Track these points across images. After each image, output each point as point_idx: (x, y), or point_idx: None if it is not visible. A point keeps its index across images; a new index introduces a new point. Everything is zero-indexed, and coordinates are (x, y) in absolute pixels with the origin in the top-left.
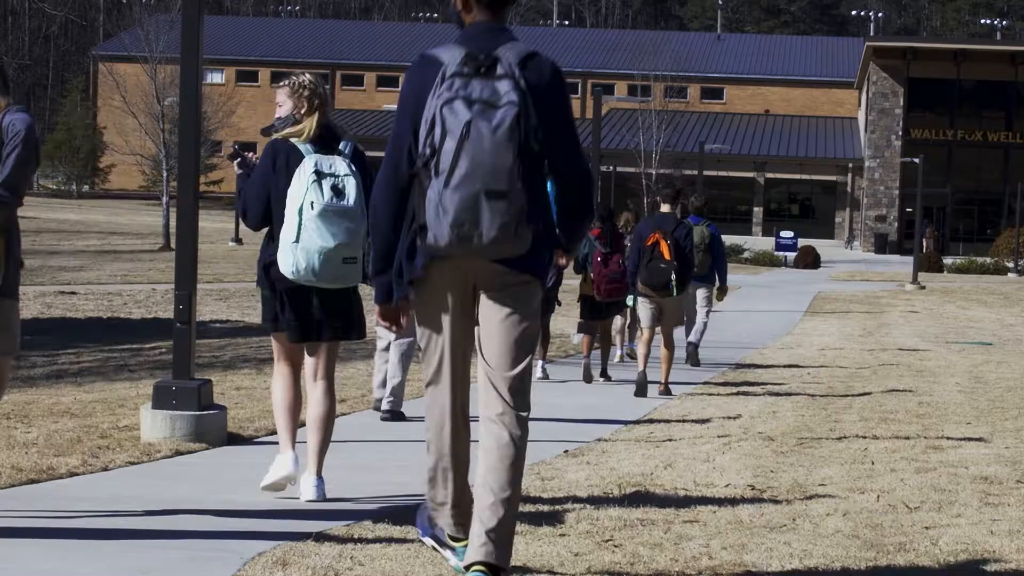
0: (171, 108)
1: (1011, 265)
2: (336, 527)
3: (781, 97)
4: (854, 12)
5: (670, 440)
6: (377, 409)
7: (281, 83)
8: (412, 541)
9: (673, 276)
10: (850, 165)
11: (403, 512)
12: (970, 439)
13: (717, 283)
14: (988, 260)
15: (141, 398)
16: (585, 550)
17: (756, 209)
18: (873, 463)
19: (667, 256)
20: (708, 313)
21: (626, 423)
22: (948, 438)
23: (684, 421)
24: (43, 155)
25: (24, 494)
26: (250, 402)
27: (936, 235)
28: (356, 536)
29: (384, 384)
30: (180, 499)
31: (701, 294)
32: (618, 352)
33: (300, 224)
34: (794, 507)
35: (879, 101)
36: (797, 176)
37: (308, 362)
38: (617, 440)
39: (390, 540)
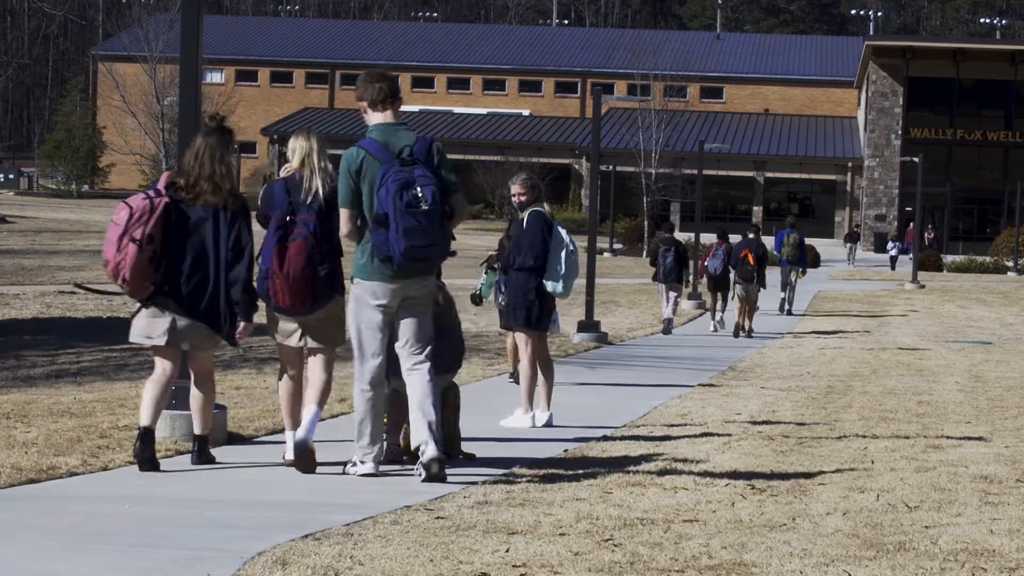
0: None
1: (1011, 264)
2: (336, 527)
3: (780, 96)
4: (853, 11)
5: (670, 439)
6: None
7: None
8: (412, 541)
9: (755, 273)
10: (849, 164)
11: (403, 512)
12: (970, 438)
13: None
14: (988, 259)
15: (141, 398)
16: (585, 549)
17: (756, 208)
18: (873, 462)
19: (751, 262)
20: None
21: (626, 423)
22: (948, 437)
23: (684, 421)
24: (43, 154)
25: (24, 494)
26: (250, 402)
27: (930, 236)
28: (356, 535)
29: None
30: (180, 499)
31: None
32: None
33: None
34: (794, 506)
35: (878, 100)
36: (797, 175)
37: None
38: (616, 439)
39: (390, 539)
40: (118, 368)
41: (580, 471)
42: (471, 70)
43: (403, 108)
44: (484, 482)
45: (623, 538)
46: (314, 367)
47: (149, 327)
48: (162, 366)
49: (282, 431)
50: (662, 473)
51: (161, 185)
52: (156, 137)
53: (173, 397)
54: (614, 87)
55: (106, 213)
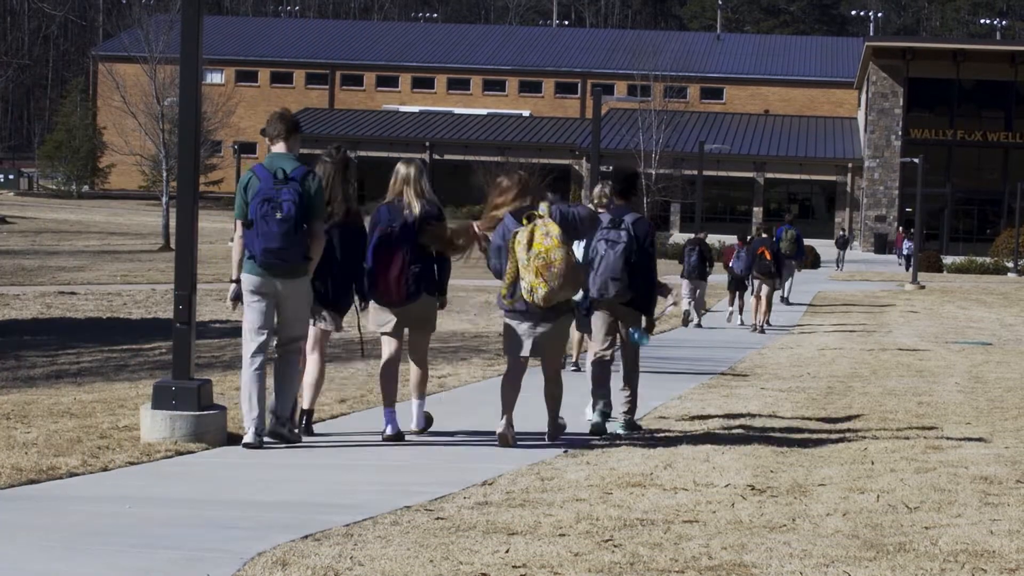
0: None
1: (1010, 265)
2: (336, 527)
3: (781, 97)
4: (853, 12)
5: (669, 440)
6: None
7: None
8: (412, 541)
9: (773, 268)
10: (850, 165)
11: (403, 512)
12: (970, 439)
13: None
14: (988, 260)
15: (141, 398)
16: (585, 550)
17: (756, 209)
18: (873, 463)
19: (768, 258)
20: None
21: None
22: (948, 438)
23: (684, 421)
24: (43, 155)
25: (24, 494)
26: None
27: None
28: (356, 536)
29: None
30: (180, 499)
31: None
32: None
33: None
34: (794, 507)
35: (879, 101)
36: (797, 176)
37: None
38: (617, 440)
39: (390, 540)
40: (118, 369)
41: (580, 471)
42: (471, 71)
43: (404, 108)
44: (485, 482)
45: (623, 539)
46: (413, 358)
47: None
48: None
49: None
50: (662, 473)
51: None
52: (156, 138)
53: (174, 398)
54: (614, 88)
55: (106, 214)
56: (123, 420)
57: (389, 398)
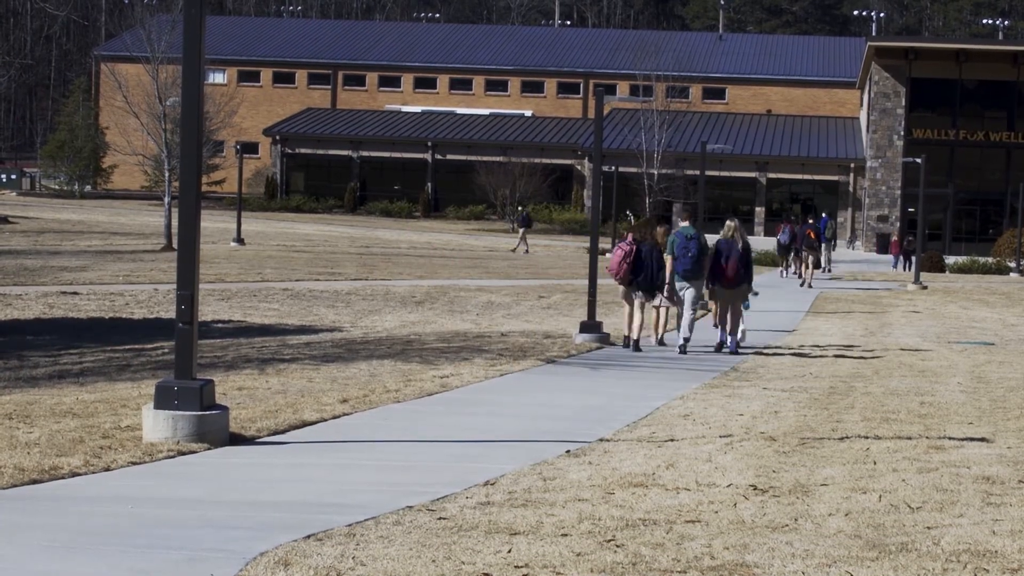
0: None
1: (1013, 265)
2: (338, 527)
3: (783, 97)
4: (856, 12)
5: (672, 440)
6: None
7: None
8: (414, 541)
9: (816, 244)
10: (852, 165)
11: (405, 512)
12: (972, 439)
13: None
14: (990, 260)
15: (143, 398)
16: (587, 550)
17: (758, 209)
18: (875, 463)
19: (813, 237)
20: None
21: (628, 424)
22: (950, 438)
23: (686, 421)
24: (45, 155)
25: (27, 494)
26: (252, 402)
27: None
28: (358, 536)
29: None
30: (182, 499)
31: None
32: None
33: None
34: (796, 507)
35: (881, 101)
36: (799, 176)
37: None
38: (619, 440)
39: (392, 540)
40: (120, 369)
41: (582, 471)
42: (473, 71)
43: (407, 108)
44: (487, 482)
45: (625, 539)
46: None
47: (626, 294)
48: (629, 308)
49: (285, 431)
50: (664, 473)
51: (630, 238)
52: (159, 138)
53: (176, 398)
54: (616, 88)
55: (108, 214)
56: (125, 420)
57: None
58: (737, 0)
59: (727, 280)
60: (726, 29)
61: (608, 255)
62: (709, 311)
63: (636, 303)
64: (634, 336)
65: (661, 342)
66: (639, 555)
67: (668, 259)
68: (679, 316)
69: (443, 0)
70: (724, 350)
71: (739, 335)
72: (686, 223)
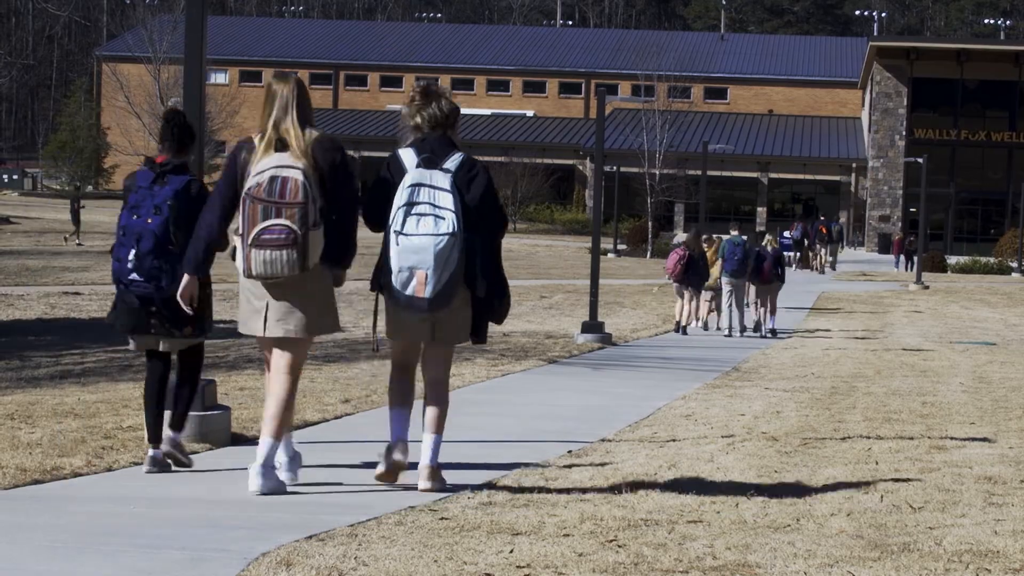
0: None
1: (1015, 265)
2: (340, 527)
3: (784, 97)
4: (857, 12)
5: (674, 440)
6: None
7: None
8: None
9: (827, 238)
10: (854, 165)
11: (408, 512)
12: (974, 439)
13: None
14: (992, 260)
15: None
16: (589, 550)
17: (760, 209)
18: (877, 463)
19: (824, 232)
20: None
21: (630, 424)
22: (952, 438)
23: (688, 421)
24: (47, 155)
25: (28, 494)
26: (254, 402)
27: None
28: (360, 536)
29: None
30: (183, 499)
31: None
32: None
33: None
34: (798, 507)
35: (883, 101)
36: (801, 176)
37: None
38: (621, 440)
39: (394, 540)
40: (122, 369)
41: (584, 472)
42: (475, 71)
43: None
44: (489, 482)
45: (627, 539)
46: None
47: (679, 290)
48: (680, 301)
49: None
50: (666, 474)
51: (682, 250)
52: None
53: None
54: (618, 88)
55: (110, 214)
56: (127, 420)
57: None
58: (739, 0)
59: (763, 278)
60: (727, 29)
61: (610, 255)
62: (714, 311)
63: (686, 297)
64: (683, 323)
65: (705, 327)
66: (641, 555)
67: (717, 263)
68: (719, 309)
69: (445, 0)
70: (763, 330)
71: (771, 322)
72: (735, 232)
